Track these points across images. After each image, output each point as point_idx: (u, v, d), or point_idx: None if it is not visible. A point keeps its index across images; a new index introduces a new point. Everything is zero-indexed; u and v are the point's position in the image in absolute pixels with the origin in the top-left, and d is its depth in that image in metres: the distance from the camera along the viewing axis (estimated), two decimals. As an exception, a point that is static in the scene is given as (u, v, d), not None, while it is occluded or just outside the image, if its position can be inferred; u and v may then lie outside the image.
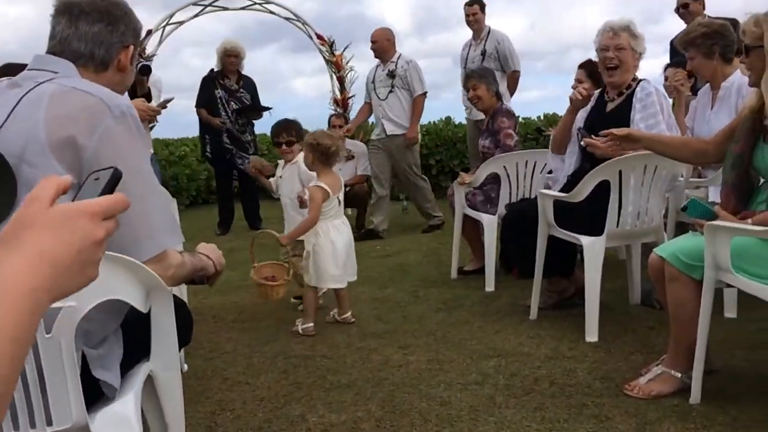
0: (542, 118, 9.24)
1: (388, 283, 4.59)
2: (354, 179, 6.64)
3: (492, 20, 6.57)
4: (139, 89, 4.40)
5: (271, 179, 4.26)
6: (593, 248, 3.26)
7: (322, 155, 3.60)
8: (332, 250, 3.57)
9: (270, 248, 4.36)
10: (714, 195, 3.48)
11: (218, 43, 6.91)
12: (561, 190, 3.52)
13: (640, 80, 3.54)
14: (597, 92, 3.80)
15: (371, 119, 6.91)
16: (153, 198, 1.57)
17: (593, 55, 5.23)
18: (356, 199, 6.53)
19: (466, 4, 6.60)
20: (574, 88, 5.31)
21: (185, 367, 3.08)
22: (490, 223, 4.34)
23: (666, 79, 4.42)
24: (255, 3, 8.60)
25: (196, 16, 8.49)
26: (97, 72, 1.68)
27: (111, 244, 0.82)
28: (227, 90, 6.88)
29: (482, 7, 6.59)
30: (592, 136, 3.46)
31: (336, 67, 8.67)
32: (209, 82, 6.93)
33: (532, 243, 3.52)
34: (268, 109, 6.98)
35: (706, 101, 3.76)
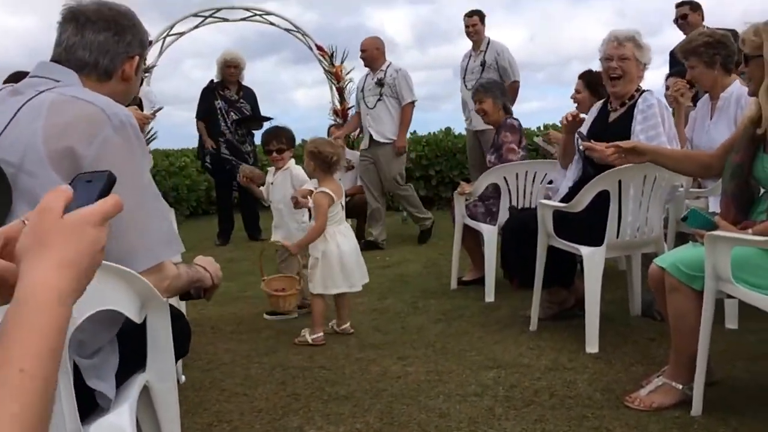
0: (542, 128, 9.24)
1: (387, 293, 4.57)
2: (354, 189, 6.63)
3: (492, 31, 6.60)
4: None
5: (262, 187, 4.26)
6: (593, 259, 3.25)
7: (324, 163, 3.61)
8: (340, 255, 3.58)
9: (268, 258, 4.34)
10: (714, 205, 3.47)
11: (219, 55, 6.92)
12: (562, 201, 3.51)
13: (643, 91, 3.54)
14: (600, 102, 3.80)
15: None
16: (151, 208, 1.55)
17: (594, 67, 5.27)
18: (356, 209, 6.52)
19: (466, 15, 6.62)
20: (573, 98, 5.34)
21: (183, 378, 3.06)
22: (490, 234, 4.32)
23: (667, 88, 4.42)
24: (255, 14, 8.63)
25: (196, 27, 8.52)
26: (101, 81, 1.67)
27: (108, 254, 0.82)
28: (227, 101, 6.89)
29: (482, 18, 6.60)
30: (591, 141, 3.46)
31: (336, 78, 8.69)
32: (209, 92, 6.94)
33: (532, 253, 3.50)
34: (268, 119, 6.98)
35: (706, 112, 3.75)
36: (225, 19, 8.62)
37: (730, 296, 2.43)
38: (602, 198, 3.24)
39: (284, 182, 4.08)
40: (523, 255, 3.61)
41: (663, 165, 2.93)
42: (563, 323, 3.65)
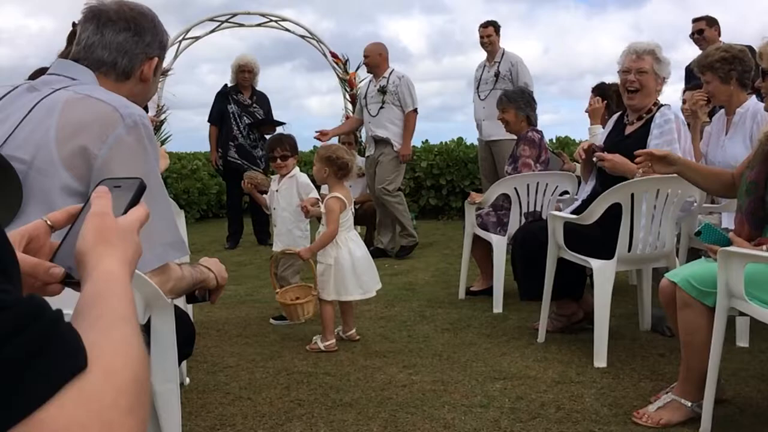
0: (554, 140, 9.21)
1: (394, 301, 4.55)
2: (363, 197, 6.62)
3: (506, 44, 6.57)
4: None
5: (265, 195, 4.26)
6: (603, 272, 3.22)
7: (339, 169, 3.61)
8: (352, 261, 3.57)
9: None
10: (727, 221, 3.43)
11: (233, 59, 6.95)
12: (574, 213, 3.49)
13: (661, 105, 3.51)
14: (617, 115, 3.78)
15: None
16: (159, 210, 1.55)
17: (608, 81, 5.24)
18: (366, 216, 6.51)
19: (481, 26, 6.61)
20: (587, 111, 5.32)
21: (187, 380, 3.05)
22: (499, 244, 4.30)
23: (684, 102, 4.39)
24: (271, 20, 8.67)
25: (212, 31, 8.56)
26: (118, 81, 1.67)
27: None
28: (240, 105, 6.91)
29: (497, 29, 6.59)
30: (605, 153, 3.44)
31: (349, 85, 8.70)
32: (223, 96, 6.97)
33: (542, 265, 3.48)
34: (281, 124, 6.99)
35: (721, 127, 3.72)
36: (241, 24, 8.66)
37: (742, 314, 2.39)
38: (614, 211, 3.21)
39: (290, 189, 4.08)
40: (532, 266, 3.59)
41: (689, 179, 2.88)
42: (571, 336, 3.61)
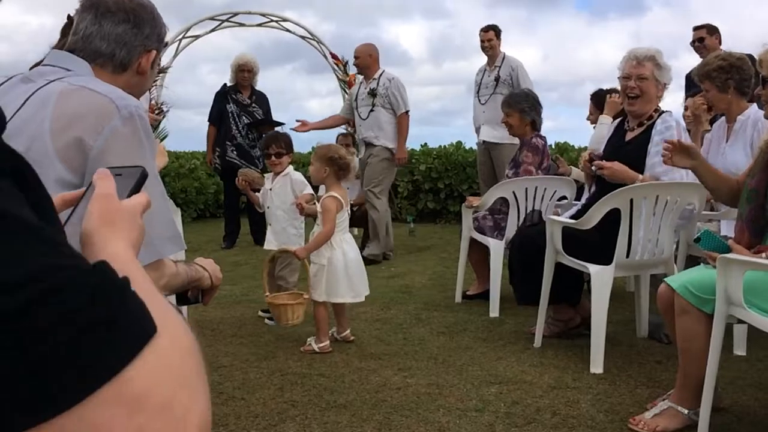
0: (554, 146, 9.21)
1: (390, 304, 4.53)
2: (360, 199, 6.59)
3: (506, 50, 6.55)
4: None
5: (258, 193, 4.24)
6: (601, 277, 3.20)
7: (340, 169, 3.59)
8: (345, 263, 3.54)
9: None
10: (726, 229, 3.42)
11: (233, 59, 6.94)
12: (573, 218, 3.47)
13: (662, 112, 3.49)
14: (617, 120, 3.76)
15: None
16: (156, 203, 1.52)
17: (606, 87, 5.24)
18: (363, 219, 6.49)
19: (482, 30, 6.59)
20: (588, 119, 5.31)
21: (180, 379, 3.02)
22: (496, 248, 4.28)
23: (686, 109, 4.38)
24: (271, 20, 8.66)
25: (212, 30, 8.54)
26: (115, 73, 1.65)
27: None
28: (239, 104, 6.89)
29: (497, 33, 6.57)
30: (603, 161, 3.44)
31: (349, 86, 8.69)
32: (222, 96, 6.95)
33: (539, 269, 3.46)
34: (280, 124, 6.97)
35: (721, 134, 3.71)
36: (241, 24, 8.65)
37: (740, 321, 2.38)
38: (613, 216, 3.20)
39: (284, 188, 4.06)
40: (530, 270, 3.57)
41: (702, 177, 2.86)
42: (568, 342, 3.60)
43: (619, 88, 3.78)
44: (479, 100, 6.55)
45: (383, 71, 6.25)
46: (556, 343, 3.58)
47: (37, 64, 3.07)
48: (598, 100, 5.20)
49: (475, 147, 7.43)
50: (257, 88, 7.05)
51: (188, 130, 22.81)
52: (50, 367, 0.42)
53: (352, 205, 4.30)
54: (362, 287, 3.65)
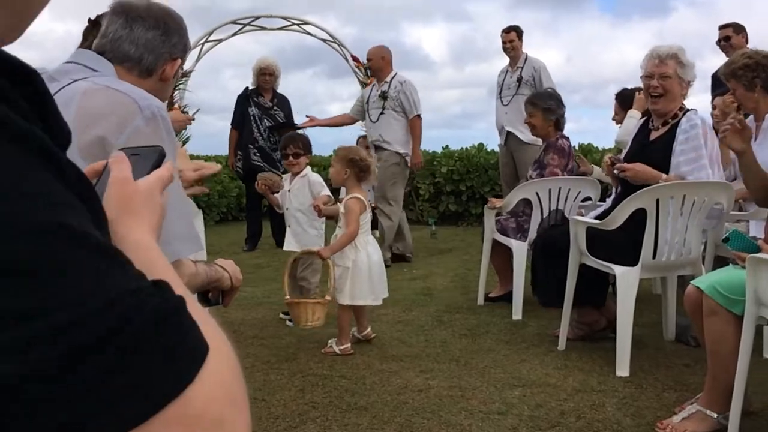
0: (577, 148, 9.11)
1: (412, 306, 4.50)
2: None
3: (529, 52, 6.50)
4: None
5: (277, 195, 4.24)
6: (627, 278, 3.14)
7: (361, 171, 3.58)
8: (369, 266, 3.53)
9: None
10: (756, 229, 3.34)
11: (254, 62, 6.96)
12: (598, 218, 3.42)
13: (687, 110, 3.43)
14: (642, 119, 3.71)
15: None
16: (175, 204, 1.52)
17: (630, 87, 5.17)
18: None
19: (503, 31, 6.55)
20: (613, 119, 5.25)
21: (201, 380, 3.02)
22: (519, 249, 4.23)
23: (714, 108, 4.30)
24: (293, 23, 8.68)
25: (234, 34, 8.59)
26: (141, 78, 1.67)
27: None
28: (261, 107, 6.91)
29: (519, 34, 6.52)
30: (624, 163, 3.40)
31: (370, 89, 8.68)
32: (243, 99, 6.97)
33: (562, 271, 3.41)
34: (301, 127, 6.98)
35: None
36: (263, 28, 8.69)
37: (771, 323, 2.31)
38: (638, 217, 3.14)
39: (302, 189, 4.05)
40: (553, 272, 3.52)
41: (746, 167, 2.78)
42: (593, 345, 3.54)
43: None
44: (501, 102, 6.49)
45: (396, 74, 6.19)
46: (581, 346, 3.52)
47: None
48: (624, 99, 5.13)
49: (497, 149, 7.38)
50: (279, 91, 7.07)
51: (211, 134, 22.97)
52: (120, 390, 0.43)
53: (372, 207, 4.29)
54: (382, 290, 3.63)
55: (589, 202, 4.36)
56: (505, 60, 6.59)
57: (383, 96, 6.08)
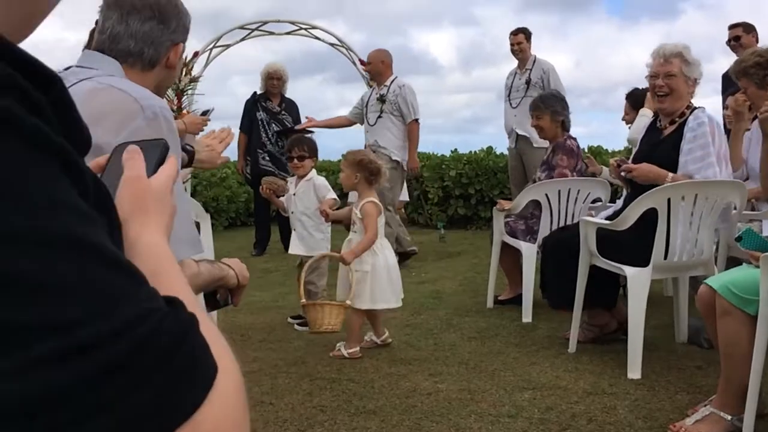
0: (586, 150, 9.06)
1: (421, 309, 4.47)
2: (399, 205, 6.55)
3: (538, 55, 6.47)
4: None
5: (282, 198, 4.22)
6: (638, 279, 3.11)
7: (371, 174, 3.57)
8: (388, 269, 3.52)
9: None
10: (769, 229, 3.29)
11: (263, 67, 6.96)
12: (608, 219, 3.38)
13: (695, 108, 3.39)
14: (651, 119, 3.68)
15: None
16: (177, 205, 1.51)
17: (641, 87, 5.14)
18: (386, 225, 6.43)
19: (511, 33, 6.53)
20: (623, 119, 5.21)
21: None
22: (529, 252, 4.19)
23: (726, 108, 4.25)
24: (301, 28, 8.67)
25: (242, 39, 8.59)
26: (144, 71, 1.65)
27: None
28: (269, 112, 6.91)
29: (527, 36, 6.50)
30: (630, 164, 3.37)
31: (378, 93, 8.66)
32: (252, 104, 6.97)
33: (573, 272, 3.37)
34: (309, 132, 6.97)
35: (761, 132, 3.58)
36: (271, 33, 8.68)
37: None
38: (649, 217, 3.10)
39: (307, 192, 4.03)
40: (563, 274, 3.48)
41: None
42: (604, 347, 3.49)
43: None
44: (510, 104, 6.46)
45: (395, 77, 6.15)
46: (591, 348, 3.48)
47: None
48: (635, 99, 5.10)
49: (506, 152, 7.34)
50: (287, 96, 7.06)
51: (220, 139, 22.97)
52: (128, 416, 0.42)
53: None
54: (400, 291, 3.62)
55: (599, 203, 4.32)
56: (514, 63, 6.57)
57: (381, 99, 6.03)
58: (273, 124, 6.89)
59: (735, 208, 3.37)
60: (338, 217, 3.83)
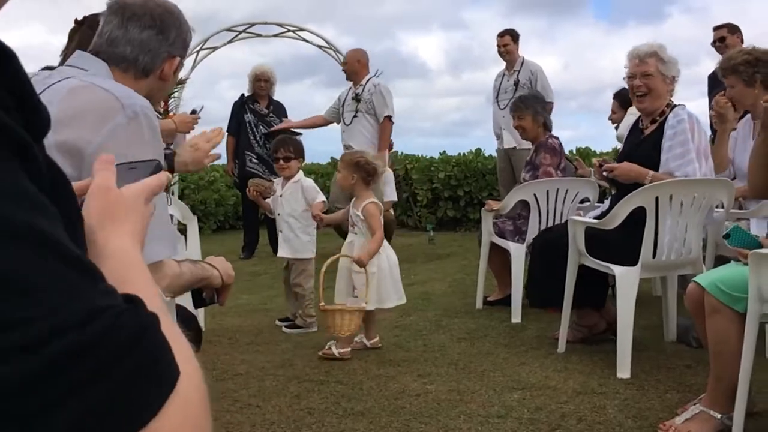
0: (574, 152, 9.08)
1: (410, 310, 4.44)
2: (385, 205, 6.52)
3: (526, 57, 6.47)
4: None
5: (269, 200, 4.19)
6: (627, 279, 3.10)
7: (368, 175, 3.56)
8: (390, 268, 3.53)
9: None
10: (757, 228, 3.29)
11: (250, 69, 6.93)
12: (597, 219, 3.38)
13: (675, 106, 3.40)
14: (634, 118, 3.69)
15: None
16: (155, 205, 1.49)
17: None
18: (385, 227, 6.40)
19: (498, 35, 6.54)
20: (609, 118, 5.23)
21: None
22: (517, 252, 4.18)
23: (711, 108, 4.27)
24: (288, 30, 8.65)
25: (230, 42, 8.55)
26: (137, 78, 1.64)
27: None
28: (256, 114, 6.87)
29: (514, 37, 6.50)
30: (612, 163, 3.40)
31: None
32: (239, 107, 6.94)
33: (561, 272, 3.36)
34: (297, 134, 6.93)
35: (747, 131, 3.60)
36: (258, 35, 8.65)
37: (774, 320, 2.27)
38: (637, 216, 3.10)
39: (294, 194, 4.00)
40: (551, 273, 3.47)
41: (761, 154, 2.71)
42: (593, 347, 3.49)
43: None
44: (498, 106, 6.47)
45: (371, 77, 6.13)
46: (581, 348, 3.47)
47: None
48: (622, 98, 5.13)
49: (494, 154, 7.35)
50: (275, 98, 7.03)
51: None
52: (78, 418, 0.41)
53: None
54: (402, 289, 3.63)
55: (587, 203, 4.32)
56: (502, 65, 6.57)
57: (357, 98, 6.01)
58: (261, 126, 6.86)
59: (722, 207, 3.38)
60: (333, 221, 3.81)
